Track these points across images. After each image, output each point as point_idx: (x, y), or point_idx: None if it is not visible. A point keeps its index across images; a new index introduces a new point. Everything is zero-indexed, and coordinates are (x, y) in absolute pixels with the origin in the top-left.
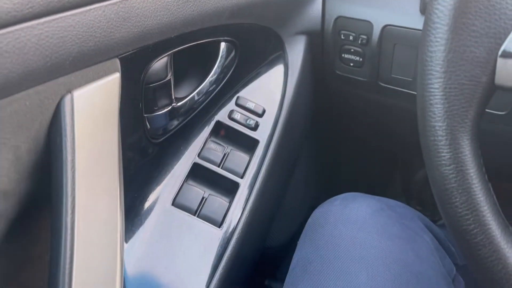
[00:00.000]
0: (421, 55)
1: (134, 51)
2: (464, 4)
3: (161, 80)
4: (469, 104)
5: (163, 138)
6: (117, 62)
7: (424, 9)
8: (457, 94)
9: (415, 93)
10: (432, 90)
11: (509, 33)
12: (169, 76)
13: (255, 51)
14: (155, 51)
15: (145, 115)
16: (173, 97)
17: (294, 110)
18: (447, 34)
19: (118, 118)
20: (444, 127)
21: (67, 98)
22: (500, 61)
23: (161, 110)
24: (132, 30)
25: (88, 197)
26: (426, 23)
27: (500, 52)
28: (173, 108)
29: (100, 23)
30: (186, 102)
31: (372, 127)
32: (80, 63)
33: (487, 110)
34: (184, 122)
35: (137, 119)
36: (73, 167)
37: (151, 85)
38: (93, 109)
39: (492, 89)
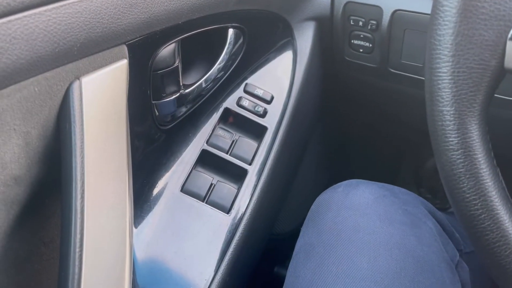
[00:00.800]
0: (429, 38)
1: (142, 37)
2: None
3: (169, 67)
4: (478, 88)
5: (171, 125)
6: (124, 48)
7: None
8: (465, 78)
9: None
10: (440, 74)
11: None
12: (177, 62)
13: (263, 37)
14: (162, 37)
15: (153, 101)
16: (181, 84)
17: (303, 97)
18: (456, 17)
19: (126, 105)
20: (452, 112)
21: (76, 85)
22: (510, 44)
23: (169, 97)
24: (139, 17)
25: (97, 182)
26: (434, 6)
27: (510, 35)
28: (181, 95)
29: (107, 9)
30: (194, 89)
31: (381, 114)
32: (88, 49)
33: (496, 95)
34: (193, 109)
35: (145, 106)
36: (82, 152)
37: (159, 72)
38: (102, 95)
39: (502, 73)
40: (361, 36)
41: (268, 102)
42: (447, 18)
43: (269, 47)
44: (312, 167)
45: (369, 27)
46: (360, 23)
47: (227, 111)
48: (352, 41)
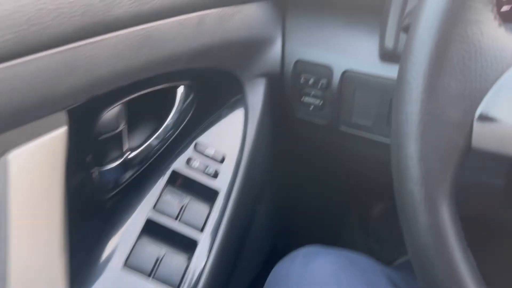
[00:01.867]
0: (395, 113)
1: (84, 102)
2: (439, 64)
3: (113, 131)
4: (447, 167)
5: (114, 192)
6: (64, 115)
7: (384, 55)
8: (435, 158)
9: (376, 139)
10: (408, 152)
11: (484, 95)
12: (122, 126)
13: (214, 94)
14: (106, 100)
15: (93, 170)
16: (126, 148)
17: (255, 155)
18: (422, 95)
19: (64, 175)
20: (422, 192)
21: (1, 161)
22: (477, 124)
23: (113, 163)
24: (81, 80)
25: (25, 262)
26: (400, 80)
27: (477, 115)
28: (126, 160)
29: (44, 74)
30: (140, 152)
31: (330, 168)
32: (20, 119)
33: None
34: (138, 172)
35: (85, 174)
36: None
37: (101, 137)
38: (34, 168)
39: (469, 151)
40: (312, 94)
41: (220, 161)
42: (414, 95)
43: (220, 104)
44: (262, 222)
45: (319, 86)
46: (311, 81)
47: (175, 173)
48: (303, 98)
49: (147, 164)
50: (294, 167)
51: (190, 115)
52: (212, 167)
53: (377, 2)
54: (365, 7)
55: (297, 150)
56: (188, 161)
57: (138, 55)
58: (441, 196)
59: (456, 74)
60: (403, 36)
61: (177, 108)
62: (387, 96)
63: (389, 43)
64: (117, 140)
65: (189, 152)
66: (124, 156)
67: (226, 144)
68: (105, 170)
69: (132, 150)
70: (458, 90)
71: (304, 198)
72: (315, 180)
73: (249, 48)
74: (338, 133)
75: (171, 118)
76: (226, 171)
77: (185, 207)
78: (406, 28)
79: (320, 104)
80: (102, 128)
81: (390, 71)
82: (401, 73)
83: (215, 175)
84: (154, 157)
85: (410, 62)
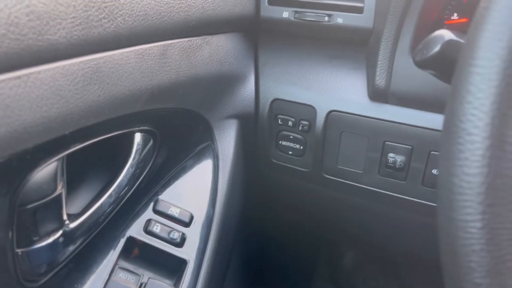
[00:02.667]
0: (446, 176)
1: (4, 159)
2: (509, 109)
3: (46, 197)
4: None
5: (48, 277)
6: None
7: (374, 95)
8: (510, 237)
9: (366, 186)
10: (471, 232)
11: None
12: (59, 188)
13: (178, 141)
14: (37, 156)
15: (18, 250)
16: (64, 217)
17: (228, 212)
18: (491, 151)
19: None
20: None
21: None
22: None
23: (45, 240)
24: (0, 131)
25: None
26: (452, 131)
27: None
28: (65, 232)
29: None
30: (85, 220)
31: (303, 215)
32: None
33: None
34: (83, 246)
35: (3, 258)
36: None
37: (28, 206)
38: None
39: None
40: (291, 137)
41: (187, 224)
42: (478, 152)
43: (186, 153)
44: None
45: (300, 128)
46: (290, 123)
47: (132, 241)
48: (280, 142)
49: (95, 233)
50: (266, 210)
51: (149, 167)
52: (177, 231)
53: (361, 35)
54: (348, 39)
55: (272, 195)
56: (147, 225)
57: (84, 95)
58: None
59: None
60: (403, 74)
61: (133, 160)
62: (379, 139)
63: (381, 81)
64: (52, 208)
65: (148, 213)
66: (63, 228)
67: (193, 201)
68: (36, 249)
69: (74, 218)
70: None
71: (275, 245)
72: (286, 223)
73: (219, 86)
74: (319, 180)
75: (126, 172)
76: (195, 235)
77: (145, 287)
78: (423, 64)
79: (301, 148)
80: (31, 193)
81: (381, 111)
82: (451, 118)
83: (181, 241)
84: (104, 223)
85: (465, 105)
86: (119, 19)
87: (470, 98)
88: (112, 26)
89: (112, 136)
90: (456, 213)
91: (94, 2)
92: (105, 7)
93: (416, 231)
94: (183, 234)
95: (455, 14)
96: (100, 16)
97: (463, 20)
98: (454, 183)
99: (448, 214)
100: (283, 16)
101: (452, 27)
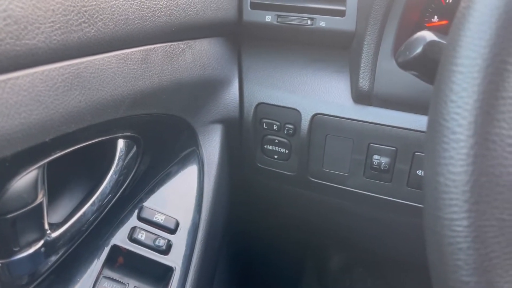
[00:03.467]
0: (431, 176)
1: None
2: (492, 107)
3: (27, 206)
4: None
5: None
6: None
7: (358, 97)
8: (496, 235)
9: (351, 189)
10: (457, 230)
11: None
12: (40, 197)
13: (162, 147)
14: (16, 164)
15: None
16: (46, 226)
17: (214, 217)
18: (475, 149)
19: None
20: (481, 286)
21: None
22: None
23: (26, 250)
24: None
25: None
26: (436, 130)
27: None
28: (47, 242)
29: None
30: (68, 229)
31: (290, 219)
32: None
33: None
34: (66, 255)
35: None
36: None
37: (8, 216)
38: None
39: None
40: (276, 141)
41: (172, 231)
42: (463, 151)
43: (170, 159)
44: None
45: (285, 132)
46: (275, 127)
47: (116, 249)
48: (265, 146)
49: (78, 242)
50: (253, 214)
51: (133, 173)
52: (163, 238)
53: (344, 38)
54: (331, 42)
55: (257, 200)
56: (132, 232)
57: (65, 100)
58: None
59: None
60: (386, 76)
61: (116, 167)
62: (364, 141)
63: (364, 83)
64: (34, 217)
65: (132, 221)
66: (44, 238)
67: (178, 208)
68: (16, 260)
69: (56, 227)
70: None
71: (262, 250)
72: (275, 231)
73: (202, 90)
74: (305, 183)
75: (109, 179)
76: (181, 242)
77: None
78: (405, 65)
79: (286, 152)
80: (10, 203)
81: (365, 113)
82: (435, 118)
83: (167, 249)
84: (87, 232)
85: (449, 104)
86: (99, 23)
87: (453, 97)
88: (93, 31)
89: (94, 142)
90: (442, 211)
91: (74, 6)
92: (85, 11)
93: (402, 232)
94: (169, 241)
95: (436, 17)
96: (80, 20)
97: (443, 22)
98: (439, 182)
99: (434, 213)
100: (266, 20)
101: (432, 30)
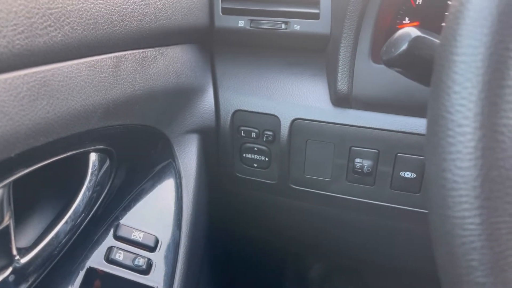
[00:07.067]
0: (436, 173)
1: None
2: (499, 97)
3: None
4: None
5: None
6: None
7: (337, 100)
8: (510, 231)
9: (334, 194)
10: (470, 228)
11: None
12: (7, 219)
13: (137, 160)
14: None
15: None
16: (14, 252)
17: (195, 230)
18: (483, 142)
19: None
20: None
21: None
22: None
23: None
24: None
25: None
26: (440, 124)
27: None
28: (15, 269)
29: None
30: (38, 253)
31: (269, 228)
32: None
33: (414, 208)
34: (37, 282)
35: None
36: None
37: None
38: None
39: None
40: (255, 149)
41: (152, 249)
42: (471, 144)
43: (146, 173)
44: None
45: (264, 139)
46: (253, 134)
47: (91, 273)
48: (244, 155)
49: (50, 267)
50: (233, 228)
51: (107, 189)
52: (143, 257)
53: (319, 41)
54: (306, 46)
55: (237, 211)
56: (109, 253)
57: (31, 111)
58: None
59: None
60: (364, 78)
61: (89, 183)
62: (345, 145)
63: (343, 86)
64: (0, 242)
65: (108, 240)
66: (13, 265)
67: (157, 224)
68: None
69: (25, 252)
70: None
71: (243, 261)
72: (256, 241)
73: (176, 99)
74: (286, 191)
75: (82, 196)
76: (162, 260)
77: None
78: (391, 62)
79: (266, 160)
80: None
81: (345, 116)
82: (438, 112)
83: (148, 267)
84: (60, 255)
85: (453, 96)
86: (66, 27)
87: (457, 88)
88: (60, 35)
89: (64, 157)
90: (451, 210)
91: (38, 8)
92: (51, 13)
93: (386, 236)
94: (149, 259)
95: (407, 18)
96: (45, 24)
97: (415, 23)
98: (447, 179)
99: (442, 212)
100: (239, 25)
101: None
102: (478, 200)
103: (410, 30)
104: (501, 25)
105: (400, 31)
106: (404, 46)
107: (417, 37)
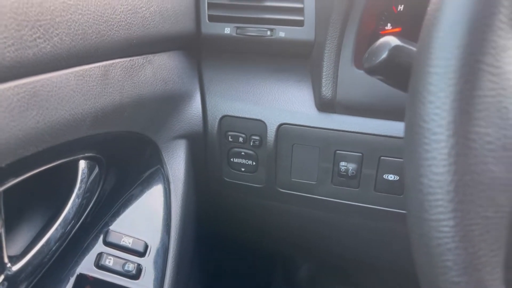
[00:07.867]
0: (414, 178)
1: None
2: (469, 105)
3: None
4: (497, 245)
5: None
6: None
7: (322, 105)
8: (482, 232)
9: (320, 197)
10: (444, 231)
11: None
12: None
13: (126, 166)
14: None
15: None
16: (5, 260)
17: (184, 235)
18: (456, 149)
19: None
20: (471, 286)
21: None
22: None
23: None
24: None
25: None
26: (416, 132)
27: None
28: (7, 276)
29: None
30: (28, 262)
31: (257, 231)
32: None
33: (394, 209)
34: None
35: None
36: None
37: None
38: None
39: None
40: (242, 153)
41: (142, 254)
42: (444, 150)
43: (135, 179)
44: None
45: (251, 144)
46: (240, 139)
47: (82, 279)
48: (232, 159)
49: (41, 274)
50: (221, 232)
51: (96, 196)
52: (132, 262)
53: (304, 47)
54: (291, 52)
55: (225, 215)
56: (99, 259)
57: (21, 122)
58: (493, 286)
59: (494, 118)
60: (347, 83)
61: (78, 190)
62: (330, 149)
63: (327, 91)
64: None
65: (98, 246)
66: (4, 273)
67: (146, 229)
68: None
69: (16, 260)
70: (499, 139)
71: (231, 264)
72: (244, 244)
73: (164, 106)
74: (274, 195)
75: (72, 204)
76: (151, 265)
77: None
78: (372, 70)
79: (253, 164)
80: None
81: (330, 121)
82: (414, 120)
83: (137, 272)
84: (51, 262)
85: (427, 105)
86: (55, 38)
87: (431, 98)
88: (49, 46)
89: (54, 165)
90: (427, 213)
91: (28, 21)
92: (40, 25)
93: (371, 237)
94: (139, 265)
95: (389, 25)
96: (34, 36)
97: (397, 29)
98: (423, 184)
99: (419, 215)
100: (225, 32)
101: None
102: (452, 204)
103: (390, 39)
104: (471, 38)
105: (380, 40)
106: (384, 55)
107: (396, 46)
